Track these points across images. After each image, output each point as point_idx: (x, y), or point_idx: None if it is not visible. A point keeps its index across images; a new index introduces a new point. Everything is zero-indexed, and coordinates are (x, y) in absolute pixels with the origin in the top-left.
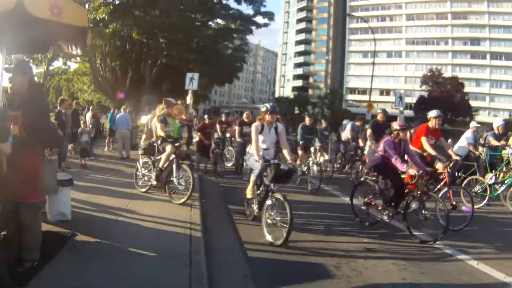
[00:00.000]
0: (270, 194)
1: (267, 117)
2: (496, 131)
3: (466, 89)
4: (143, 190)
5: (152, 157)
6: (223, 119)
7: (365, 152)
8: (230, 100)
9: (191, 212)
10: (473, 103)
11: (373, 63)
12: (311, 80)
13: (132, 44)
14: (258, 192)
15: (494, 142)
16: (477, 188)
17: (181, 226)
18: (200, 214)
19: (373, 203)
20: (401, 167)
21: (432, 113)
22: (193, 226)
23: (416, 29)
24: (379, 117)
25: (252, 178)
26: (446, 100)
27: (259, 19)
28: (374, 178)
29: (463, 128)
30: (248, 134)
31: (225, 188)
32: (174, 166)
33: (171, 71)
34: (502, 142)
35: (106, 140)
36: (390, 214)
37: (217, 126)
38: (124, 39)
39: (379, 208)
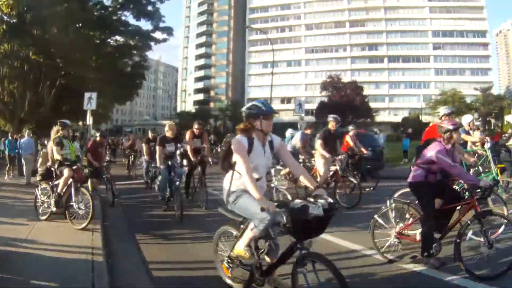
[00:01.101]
0: (301, 257)
1: (261, 124)
2: (467, 128)
3: (366, 92)
4: (44, 218)
5: (50, 183)
6: (150, 136)
7: (315, 164)
8: (132, 118)
9: (92, 237)
10: (373, 104)
11: (272, 73)
12: (212, 93)
13: (30, 65)
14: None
15: (469, 138)
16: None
17: (83, 252)
18: (102, 237)
19: (407, 234)
20: (469, 178)
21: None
22: (95, 250)
23: (315, 38)
24: (330, 126)
25: (250, 234)
26: (347, 104)
27: (158, 34)
28: (407, 201)
29: (363, 130)
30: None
31: (127, 208)
32: (72, 190)
33: (71, 91)
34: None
35: (7, 168)
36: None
37: (144, 145)
38: (22, 59)
39: (417, 239)
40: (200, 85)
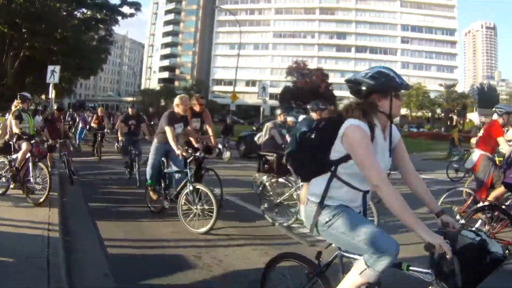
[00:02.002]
0: None
1: (392, 104)
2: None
3: (331, 80)
4: (1, 192)
5: (8, 157)
6: (130, 112)
7: None
8: (96, 93)
9: (49, 213)
10: (337, 92)
11: (238, 55)
12: (177, 72)
13: None
14: None
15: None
16: None
17: (40, 228)
18: (59, 214)
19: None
20: None
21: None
22: (51, 227)
23: (284, 23)
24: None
25: (358, 280)
26: (311, 90)
27: (126, 9)
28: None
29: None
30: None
31: (87, 185)
32: (30, 164)
33: (35, 64)
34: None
35: None
36: None
37: (120, 124)
38: None
39: None
40: (166, 63)
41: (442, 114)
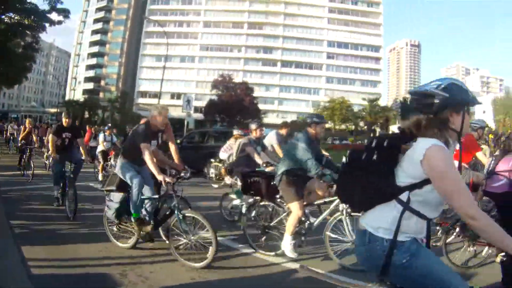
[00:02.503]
0: None
1: (463, 120)
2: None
3: (256, 94)
4: None
5: None
6: (65, 123)
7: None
8: (19, 103)
9: None
10: (262, 106)
11: (164, 67)
12: (102, 83)
13: None
14: None
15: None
16: None
17: None
18: None
19: None
20: None
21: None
22: None
23: (212, 36)
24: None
25: None
26: (236, 104)
27: (55, 16)
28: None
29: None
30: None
31: (9, 201)
32: None
33: None
34: None
35: None
36: None
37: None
38: None
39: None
40: (91, 73)
41: (365, 127)
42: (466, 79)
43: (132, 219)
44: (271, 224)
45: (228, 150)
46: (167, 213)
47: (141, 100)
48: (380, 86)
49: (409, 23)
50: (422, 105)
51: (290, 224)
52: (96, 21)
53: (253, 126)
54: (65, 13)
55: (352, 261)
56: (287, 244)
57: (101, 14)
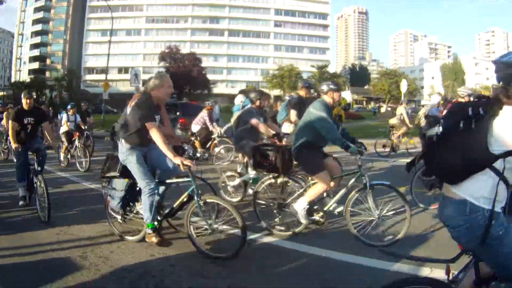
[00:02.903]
0: None
1: None
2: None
3: (204, 64)
4: None
5: None
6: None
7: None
8: None
9: None
10: (211, 76)
11: (109, 42)
12: (48, 61)
13: None
14: None
15: None
16: None
17: None
18: None
19: None
20: None
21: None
22: None
23: (157, 8)
24: (302, 93)
25: None
26: (184, 75)
27: None
28: None
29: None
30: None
31: None
32: None
33: None
34: None
35: None
36: None
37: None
38: None
39: None
40: (36, 52)
41: (315, 94)
42: (414, 46)
43: (149, 231)
44: (287, 201)
45: (200, 122)
46: (185, 199)
47: (88, 77)
48: (328, 53)
49: None
50: (507, 74)
51: (313, 192)
52: None
53: (252, 95)
54: None
55: (377, 237)
56: (300, 208)
57: None
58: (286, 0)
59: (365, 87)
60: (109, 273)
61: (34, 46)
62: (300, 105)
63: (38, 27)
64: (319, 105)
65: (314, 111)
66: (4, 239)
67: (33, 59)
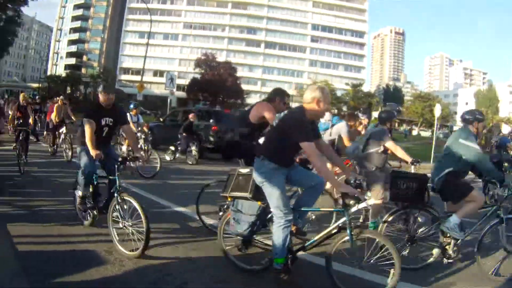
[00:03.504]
0: None
1: None
2: None
3: (239, 74)
4: None
5: None
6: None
7: None
8: (0, 78)
9: None
10: (245, 86)
11: (147, 44)
12: (85, 58)
13: None
14: None
15: None
16: None
17: None
18: None
19: None
20: None
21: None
22: None
23: (195, 14)
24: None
25: None
26: (219, 83)
27: None
28: None
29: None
30: None
31: None
32: None
33: None
34: None
35: None
36: None
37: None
38: None
39: None
40: (74, 48)
41: (348, 112)
42: (449, 70)
43: (277, 266)
44: (419, 234)
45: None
46: (333, 231)
47: (123, 77)
48: (363, 72)
49: (394, 10)
50: None
51: (467, 210)
52: None
53: (385, 115)
54: None
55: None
56: (454, 224)
57: None
58: (324, 16)
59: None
60: (133, 269)
61: (71, 42)
62: None
63: (77, 23)
64: (466, 135)
65: (465, 143)
66: (34, 227)
67: (70, 54)
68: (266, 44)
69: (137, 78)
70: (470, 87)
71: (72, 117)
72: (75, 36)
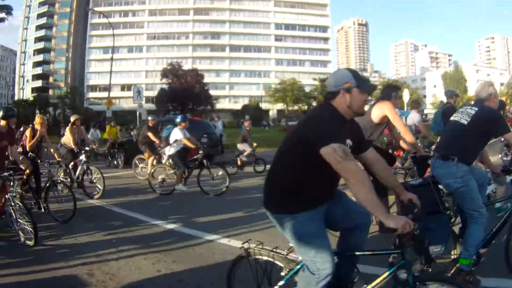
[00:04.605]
0: None
1: None
2: None
3: (206, 80)
4: None
5: None
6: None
7: None
8: None
9: None
10: (213, 92)
11: (112, 59)
12: (51, 79)
13: None
14: None
15: None
16: None
17: None
18: None
19: None
20: None
21: None
22: None
23: (158, 25)
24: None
25: None
26: (187, 92)
27: None
28: None
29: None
30: None
31: None
32: None
33: None
34: None
35: None
36: None
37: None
38: None
39: None
40: (39, 70)
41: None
42: (415, 56)
43: (465, 268)
44: None
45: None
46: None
47: (91, 94)
48: (330, 66)
49: (356, 2)
50: None
51: None
52: (40, 16)
53: None
54: (7, 9)
55: None
56: None
57: (45, 8)
58: (286, 14)
59: (368, 98)
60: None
61: (36, 64)
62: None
63: (41, 45)
64: None
65: None
66: (6, 256)
67: (36, 77)
68: (231, 47)
69: (105, 94)
70: (437, 70)
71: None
72: (40, 57)
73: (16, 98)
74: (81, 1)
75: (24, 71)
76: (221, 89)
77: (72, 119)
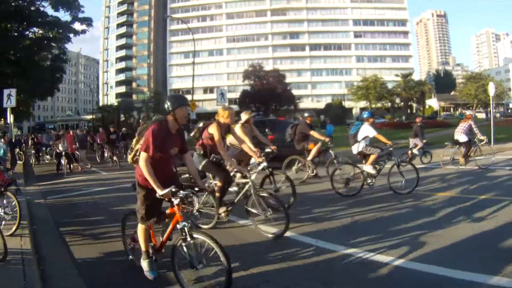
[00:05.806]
0: None
1: None
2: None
3: (288, 80)
4: None
5: None
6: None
7: None
8: (55, 114)
9: (21, 242)
10: (296, 92)
11: (193, 63)
12: (134, 85)
13: None
14: None
15: None
16: None
17: (14, 260)
18: (31, 243)
19: None
20: None
21: None
22: (25, 257)
23: (236, 27)
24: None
25: None
26: (269, 92)
27: (78, 25)
28: None
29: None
30: None
31: (54, 209)
32: None
33: None
34: None
35: None
36: None
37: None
38: None
39: None
40: (122, 77)
41: (401, 103)
42: (497, 46)
43: None
44: None
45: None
46: None
47: None
48: (411, 61)
49: None
50: None
51: None
52: (120, 25)
53: None
54: (88, 21)
55: None
56: None
57: (123, 18)
58: (363, 9)
59: (452, 93)
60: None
61: (119, 71)
62: None
63: (122, 52)
64: None
65: None
66: (96, 249)
67: (119, 83)
68: (311, 46)
69: (188, 97)
70: None
71: None
72: (122, 65)
73: (100, 103)
74: (158, 9)
75: (107, 78)
76: (303, 89)
77: (244, 116)
